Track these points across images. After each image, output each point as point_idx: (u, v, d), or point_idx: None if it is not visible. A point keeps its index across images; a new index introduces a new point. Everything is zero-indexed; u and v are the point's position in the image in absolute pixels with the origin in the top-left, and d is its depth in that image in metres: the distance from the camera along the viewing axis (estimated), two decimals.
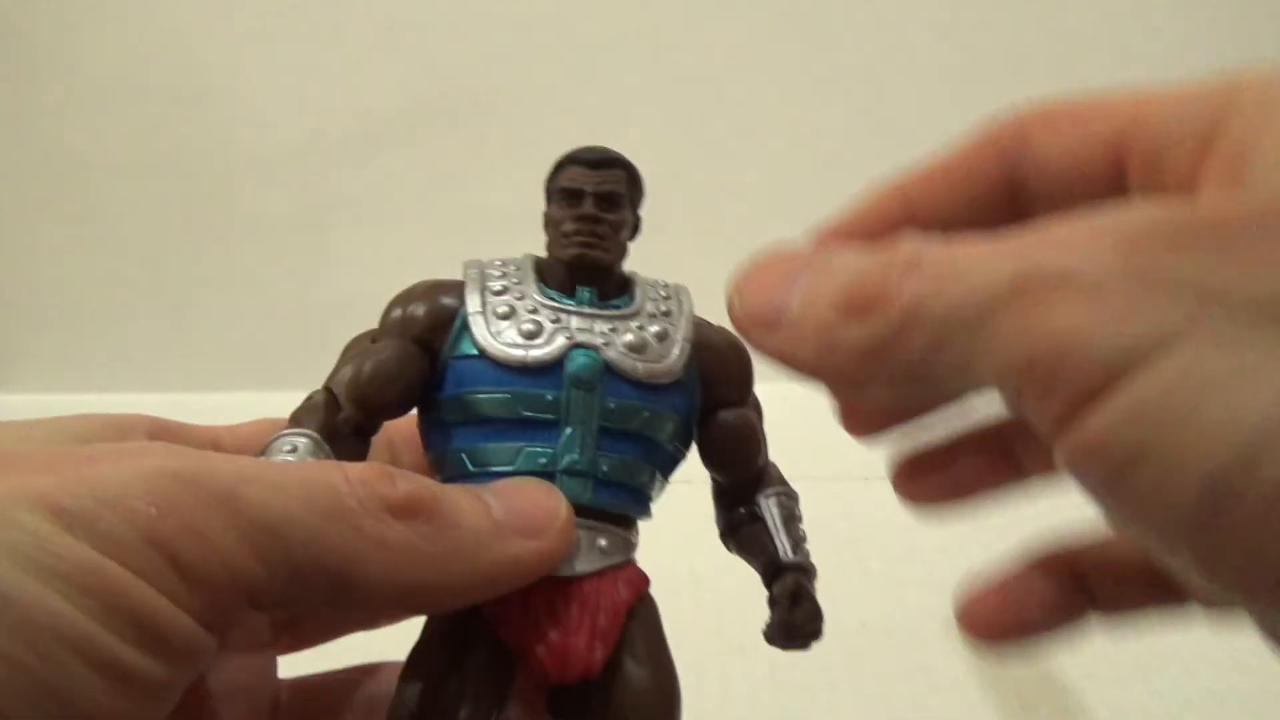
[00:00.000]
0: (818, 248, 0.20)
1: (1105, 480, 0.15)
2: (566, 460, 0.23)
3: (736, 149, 0.78)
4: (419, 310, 0.24)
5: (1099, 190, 0.21)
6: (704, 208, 0.76)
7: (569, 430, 0.23)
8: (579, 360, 0.24)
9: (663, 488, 0.25)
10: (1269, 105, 0.18)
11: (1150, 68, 0.75)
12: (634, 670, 0.23)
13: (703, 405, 0.25)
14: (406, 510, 0.20)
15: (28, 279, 0.86)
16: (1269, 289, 0.13)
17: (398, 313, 0.25)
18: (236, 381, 0.79)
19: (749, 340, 0.21)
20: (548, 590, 0.23)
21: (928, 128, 0.83)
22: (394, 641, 0.25)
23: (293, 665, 0.28)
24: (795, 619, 0.24)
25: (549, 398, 0.23)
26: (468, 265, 0.25)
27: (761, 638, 0.25)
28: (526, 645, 0.22)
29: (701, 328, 0.26)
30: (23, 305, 0.86)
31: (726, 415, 0.25)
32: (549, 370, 0.23)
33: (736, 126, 0.78)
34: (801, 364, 0.19)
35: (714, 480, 0.26)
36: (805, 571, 0.25)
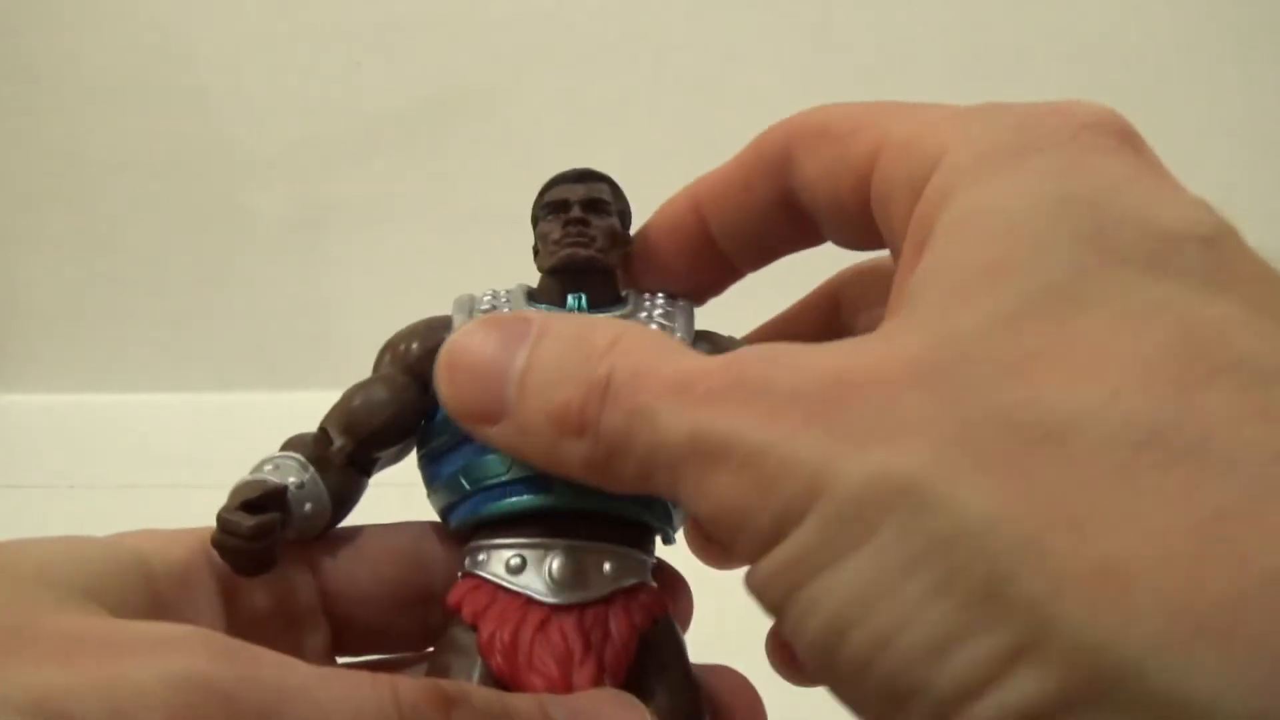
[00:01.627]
0: (525, 327, 0.20)
1: (770, 610, 0.17)
2: None
3: (737, 149, 0.78)
4: (409, 344, 0.25)
5: (854, 214, 0.22)
6: None
7: None
8: None
9: None
10: (951, 187, 0.18)
11: (1150, 68, 0.75)
12: (652, 700, 0.21)
13: None
14: None
15: (28, 279, 0.85)
16: (855, 480, 0.15)
17: (388, 354, 0.25)
18: (236, 381, 0.79)
19: (471, 432, 0.20)
20: (546, 622, 0.22)
21: None
22: None
23: None
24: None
25: None
26: (458, 298, 0.25)
27: (761, 640, 0.24)
28: (523, 683, 0.21)
29: (709, 334, 0.25)
30: (22, 305, 0.86)
31: None
32: None
33: (736, 126, 0.78)
34: (535, 462, 0.20)
35: None
36: None
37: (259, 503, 0.21)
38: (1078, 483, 0.14)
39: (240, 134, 0.82)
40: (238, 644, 0.17)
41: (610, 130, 0.75)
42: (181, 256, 0.83)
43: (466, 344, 0.20)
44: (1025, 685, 0.13)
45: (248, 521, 0.21)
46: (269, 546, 0.21)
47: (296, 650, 0.23)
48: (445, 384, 0.20)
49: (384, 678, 0.18)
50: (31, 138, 0.83)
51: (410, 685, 0.18)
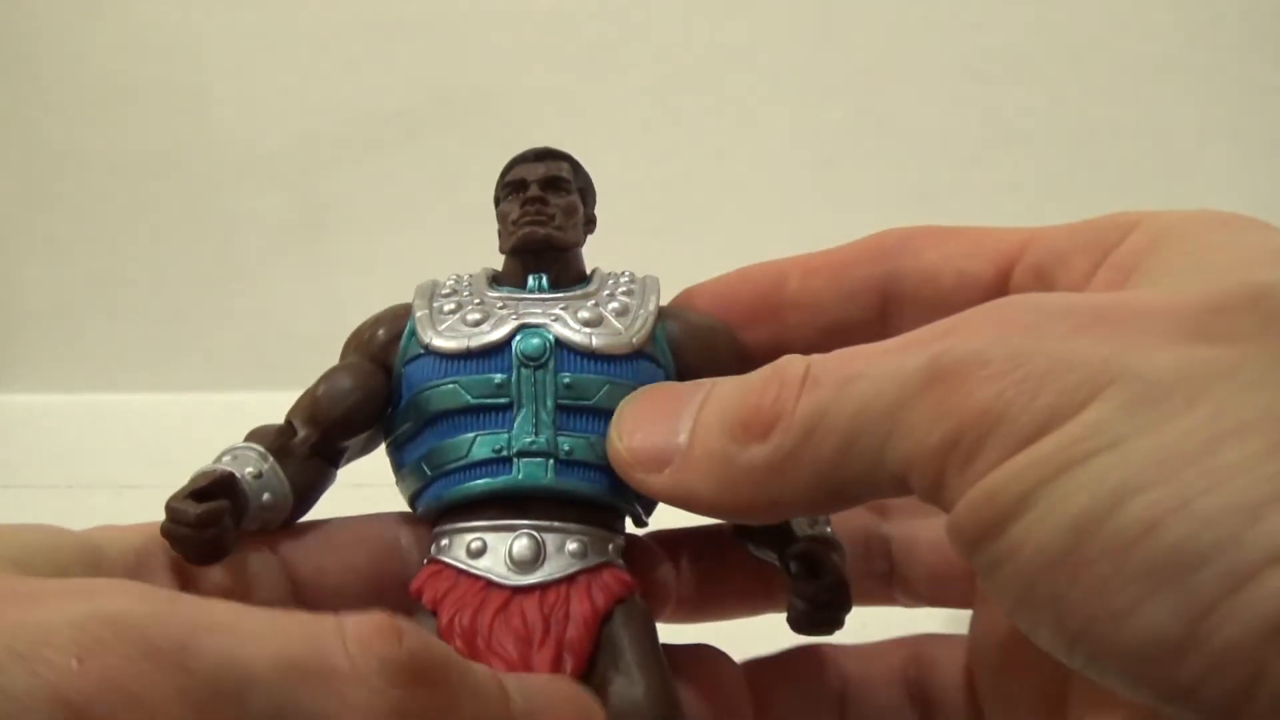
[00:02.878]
0: (700, 384, 0.21)
1: (990, 524, 0.16)
2: (522, 442, 0.22)
3: (737, 149, 0.78)
4: (373, 331, 0.25)
5: (976, 297, 0.22)
6: (704, 208, 0.76)
7: (523, 411, 0.22)
8: (526, 339, 0.23)
9: None
10: (1160, 234, 0.19)
11: (1150, 68, 0.75)
12: (618, 683, 0.21)
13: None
14: (408, 676, 0.16)
15: (27, 279, 0.85)
16: (1164, 367, 0.15)
17: (352, 342, 0.25)
18: (236, 381, 0.79)
19: (634, 484, 0.21)
20: (506, 604, 0.21)
21: (928, 128, 0.83)
22: None
23: None
24: (812, 591, 0.22)
25: (497, 380, 0.23)
26: (420, 285, 0.25)
27: (756, 643, 0.24)
28: (479, 661, 0.20)
29: (677, 309, 0.25)
30: (22, 305, 0.86)
31: None
32: (496, 352, 0.23)
33: (736, 126, 0.78)
34: (699, 498, 0.19)
35: None
36: (824, 543, 0.23)
37: (207, 490, 0.21)
38: None
39: (240, 134, 0.82)
40: (159, 589, 0.16)
41: (609, 130, 0.75)
42: (181, 256, 0.83)
43: (643, 394, 0.21)
44: None
45: (194, 509, 0.21)
46: (218, 535, 0.21)
47: None
48: (613, 438, 0.21)
49: (328, 615, 0.17)
50: (31, 138, 0.83)
51: (358, 618, 0.17)
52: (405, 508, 0.25)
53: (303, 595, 0.24)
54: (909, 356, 0.17)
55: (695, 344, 0.24)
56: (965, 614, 0.26)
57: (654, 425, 0.20)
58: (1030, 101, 0.75)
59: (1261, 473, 0.13)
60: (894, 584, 0.27)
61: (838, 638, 0.26)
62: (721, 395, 0.20)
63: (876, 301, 0.25)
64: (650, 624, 0.23)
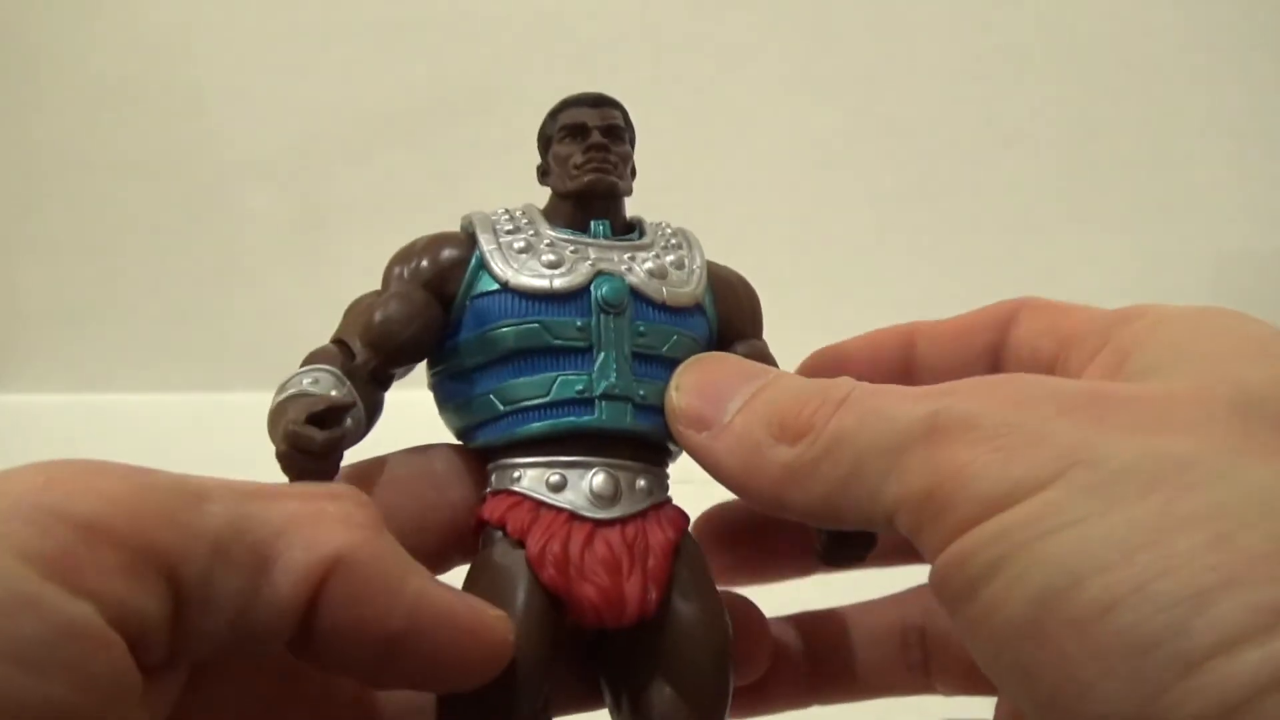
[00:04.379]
0: (764, 369, 0.23)
1: (965, 586, 0.17)
2: (604, 385, 0.23)
3: (737, 149, 0.78)
4: (424, 261, 0.24)
5: (1043, 365, 0.25)
6: (704, 207, 0.76)
7: (603, 355, 0.23)
8: (606, 285, 0.23)
9: None
10: (1154, 324, 0.21)
11: (1150, 68, 0.75)
12: (685, 609, 0.22)
13: (720, 336, 0.25)
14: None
15: (27, 280, 0.85)
16: (1126, 456, 0.16)
17: (399, 268, 0.24)
18: (236, 381, 0.79)
19: (677, 436, 0.23)
20: (592, 535, 0.22)
21: (928, 128, 0.83)
22: None
23: None
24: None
25: (579, 324, 0.23)
26: (467, 217, 0.25)
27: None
28: (576, 592, 0.21)
29: (712, 265, 0.26)
30: (22, 306, 0.86)
31: (741, 348, 0.25)
32: (576, 297, 0.23)
33: (736, 126, 0.78)
34: (724, 470, 0.21)
35: None
36: None
37: (325, 416, 0.21)
38: None
39: (240, 134, 0.82)
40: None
41: None
42: (181, 256, 0.83)
43: (711, 358, 0.23)
44: None
45: (320, 435, 0.21)
46: (336, 461, 0.22)
47: None
48: (671, 390, 0.23)
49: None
50: (31, 138, 0.83)
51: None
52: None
53: None
54: (919, 405, 0.18)
55: (732, 298, 0.26)
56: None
57: (711, 393, 0.22)
58: (1030, 101, 0.75)
59: (1206, 562, 0.14)
60: (931, 673, 0.28)
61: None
62: (777, 389, 0.21)
63: (992, 369, 0.26)
64: (704, 557, 0.24)
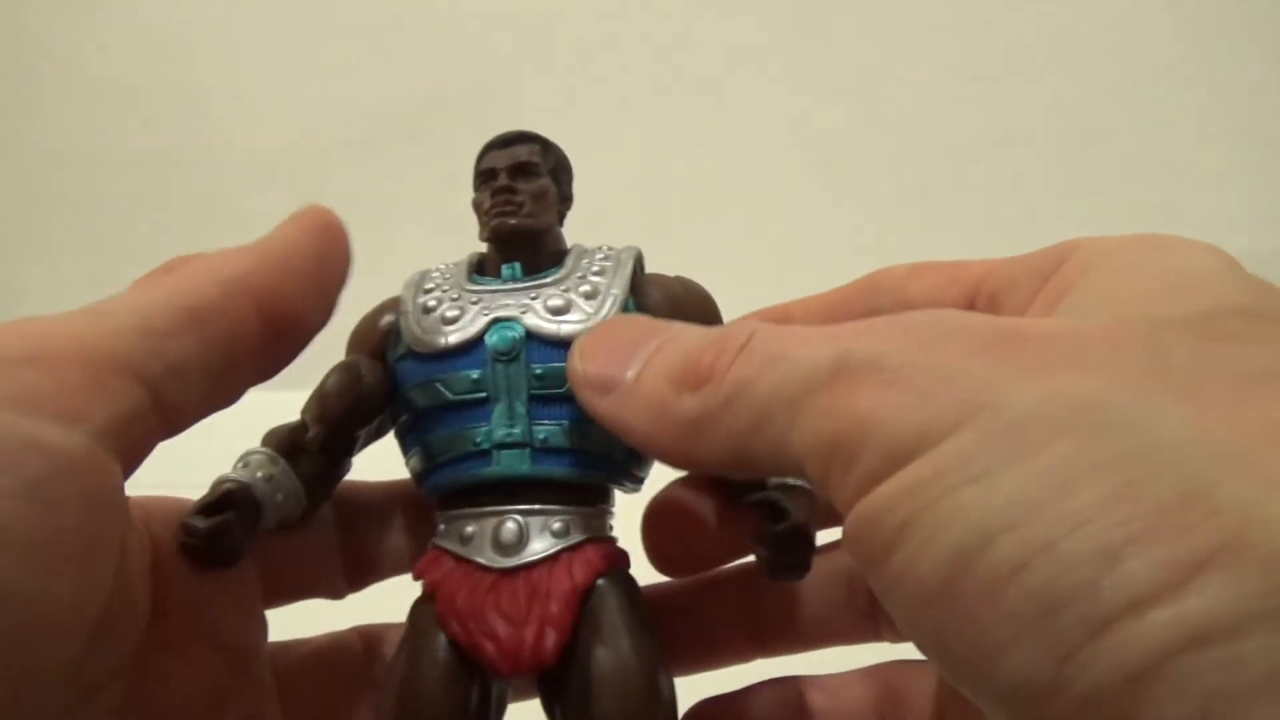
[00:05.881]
0: (666, 324, 0.22)
1: (877, 549, 0.16)
2: (500, 434, 0.23)
3: (736, 149, 0.78)
4: (367, 327, 0.26)
5: None
6: (703, 207, 0.76)
7: (499, 404, 0.23)
8: (496, 334, 0.23)
9: None
10: (1091, 261, 0.20)
11: (1150, 68, 0.75)
12: (598, 654, 0.22)
13: None
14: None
15: (27, 279, 0.85)
16: (1032, 399, 0.15)
17: (353, 337, 0.26)
18: None
19: (584, 403, 0.22)
20: (495, 585, 0.22)
21: (928, 128, 0.82)
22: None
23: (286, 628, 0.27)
24: (771, 536, 0.23)
25: (474, 376, 0.23)
26: (410, 276, 0.26)
27: (723, 676, 0.24)
28: (479, 644, 0.22)
29: (652, 278, 0.25)
30: (22, 306, 0.86)
31: None
32: (471, 349, 0.24)
33: (736, 126, 0.78)
34: (632, 431, 0.20)
35: None
36: (789, 490, 0.23)
37: (215, 504, 0.23)
38: None
39: (240, 134, 0.82)
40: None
41: (609, 130, 0.75)
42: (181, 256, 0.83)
43: (610, 322, 0.23)
44: (1211, 593, 0.12)
45: (203, 524, 0.22)
46: (229, 545, 0.23)
47: None
48: (574, 356, 0.22)
49: None
50: (31, 138, 0.83)
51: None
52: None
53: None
54: (824, 348, 0.17)
55: (668, 312, 0.24)
56: None
57: (612, 354, 0.21)
58: (1030, 101, 0.75)
59: (1116, 515, 0.13)
60: (878, 619, 0.27)
61: (809, 669, 0.27)
62: (677, 341, 0.20)
63: None
64: (633, 594, 0.23)
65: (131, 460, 0.19)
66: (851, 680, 0.27)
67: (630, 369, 0.20)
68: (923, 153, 0.76)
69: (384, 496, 0.28)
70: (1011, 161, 0.75)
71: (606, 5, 0.77)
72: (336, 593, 0.28)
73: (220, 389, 0.22)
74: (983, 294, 0.23)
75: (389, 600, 0.26)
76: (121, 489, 0.19)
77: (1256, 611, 0.12)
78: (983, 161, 0.76)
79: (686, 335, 0.20)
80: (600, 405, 0.21)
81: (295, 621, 0.27)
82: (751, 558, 0.26)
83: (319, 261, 0.23)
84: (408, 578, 0.25)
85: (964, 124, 0.76)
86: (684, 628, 0.27)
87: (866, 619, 0.27)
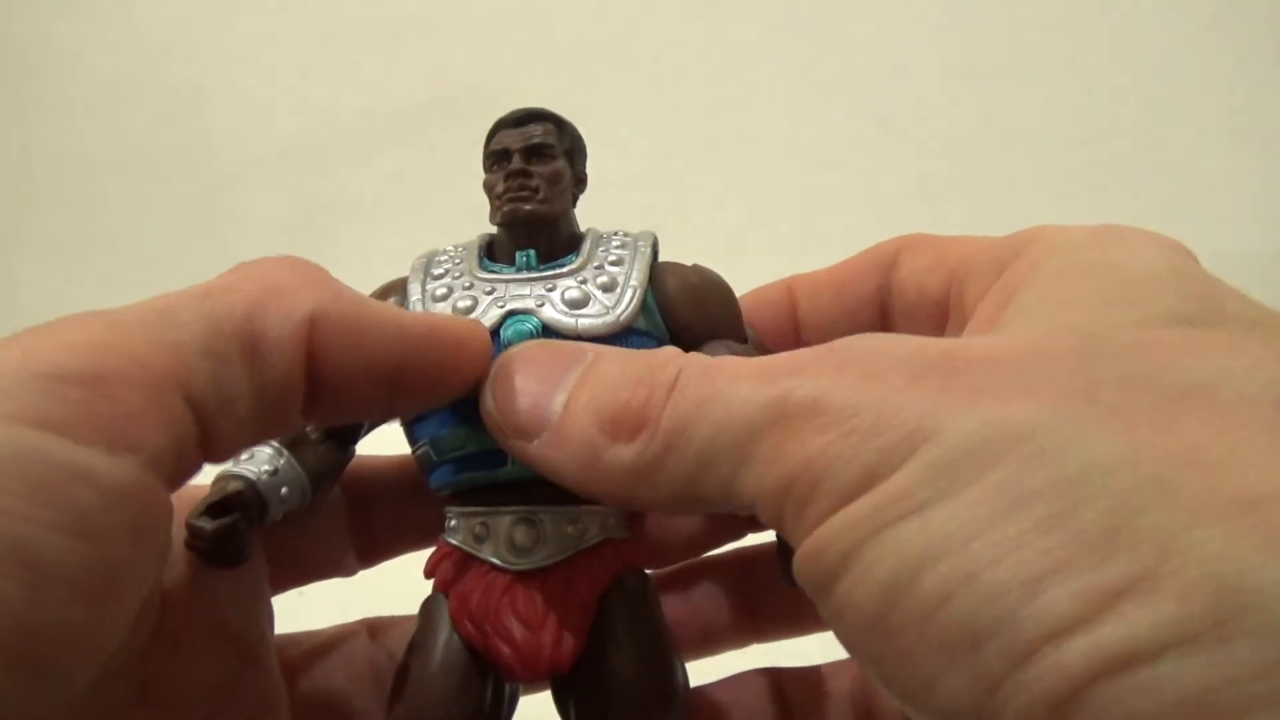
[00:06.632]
0: (581, 351, 0.20)
1: (822, 584, 0.16)
2: None
3: (736, 149, 0.78)
4: None
5: (931, 312, 0.24)
6: (703, 207, 0.76)
7: None
8: (513, 329, 0.23)
9: None
10: (1042, 257, 0.20)
11: (1150, 68, 0.75)
12: (614, 659, 0.22)
13: (684, 347, 0.23)
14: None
15: (28, 279, 0.85)
16: (966, 429, 0.15)
17: None
18: None
19: (508, 449, 0.21)
20: (510, 587, 0.22)
21: (928, 128, 0.82)
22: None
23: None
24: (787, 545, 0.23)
25: None
26: (417, 259, 0.25)
27: (751, 641, 0.24)
28: (492, 647, 0.21)
29: (668, 268, 0.24)
30: (22, 306, 0.86)
31: (715, 347, 0.23)
32: None
33: (737, 126, 0.78)
34: (565, 478, 0.20)
35: None
36: None
37: (220, 504, 0.22)
38: (1216, 430, 0.14)
39: (239, 134, 0.82)
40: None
41: (610, 130, 0.75)
42: (181, 256, 0.83)
43: (521, 355, 0.21)
44: (1131, 620, 0.13)
45: (209, 526, 0.22)
46: (234, 545, 0.22)
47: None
48: (489, 395, 0.21)
49: None
50: (31, 138, 0.83)
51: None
52: None
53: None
54: (761, 388, 0.17)
55: (687, 303, 0.24)
56: None
57: (528, 395, 0.20)
58: (1030, 101, 0.75)
59: (1039, 546, 0.14)
60: None
61: (788, 659, 0.27)
62: (599, 376, 0.19)
63: (878, 316, 0.25)
64: (648, 595, 0.23)
65: (174, 488, 0.18)
66: (831, 671, 0.27)
67: (551, 410, 0.20)
68: (923, 153, 0.76)
69: (393, 471, 0.27)
70: (1011, 161, 0.75)
71: (606, 5, 0.77)
72: (348, 570, 0.27)
73: (259, 431, 0.20)
74: (953, 285, 0.23)
75: (397, 591, 0.26)
76: (170, 520, 0.17)
77: (1170, 638, 0.12)
78: (983, 161, 0.76)
79: (605, 367, 0.20)
80: (529, 452, 0.20)
81: (305, 610, 0.27)
82: (745, 542, 0.26)
83: (442, 357, 0.21)
84: (415, 564, 0.24)
85: (964, 124, 0.76)
86: (681, 613, 0.26)
87: None
